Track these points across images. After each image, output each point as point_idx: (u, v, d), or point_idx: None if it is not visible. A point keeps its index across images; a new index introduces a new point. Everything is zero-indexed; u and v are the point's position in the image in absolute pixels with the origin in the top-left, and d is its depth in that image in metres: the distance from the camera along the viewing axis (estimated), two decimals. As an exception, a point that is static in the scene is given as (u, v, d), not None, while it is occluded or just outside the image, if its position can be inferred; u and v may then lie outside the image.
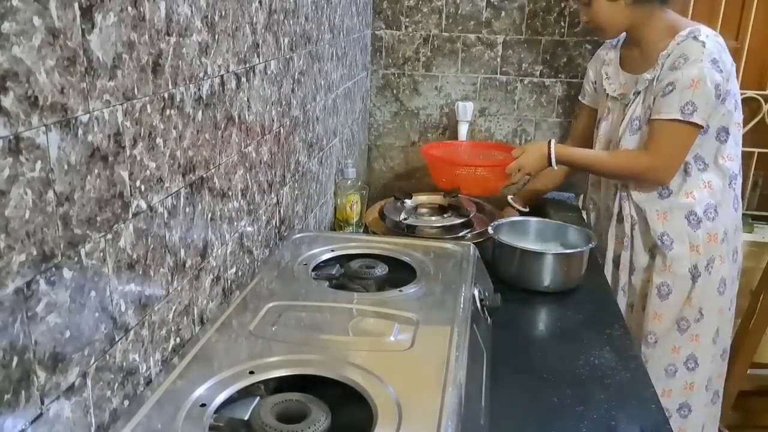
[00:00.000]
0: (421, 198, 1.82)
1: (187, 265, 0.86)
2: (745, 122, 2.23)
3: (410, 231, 1.64)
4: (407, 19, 2.16)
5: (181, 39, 0.79)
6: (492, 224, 1.53)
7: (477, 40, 2.15)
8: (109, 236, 0.67)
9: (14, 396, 0.55)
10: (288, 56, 1.22)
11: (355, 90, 1.96)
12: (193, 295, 0.89)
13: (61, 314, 0.60)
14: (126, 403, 0.73)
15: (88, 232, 0.63)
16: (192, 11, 0.81)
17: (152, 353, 0.79)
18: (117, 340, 0.70)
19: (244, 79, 1.01)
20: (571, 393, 1.05)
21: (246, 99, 1.02)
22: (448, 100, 2.22)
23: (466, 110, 2.13)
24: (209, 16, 0.87)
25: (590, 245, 1.44)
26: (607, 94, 1.70)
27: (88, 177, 0.63)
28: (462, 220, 1.69)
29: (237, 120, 0.99)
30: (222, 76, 0.92)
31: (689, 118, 1.49)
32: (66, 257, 0.60)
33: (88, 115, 0.62)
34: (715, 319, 1.65)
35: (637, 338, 1.65)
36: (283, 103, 1.21)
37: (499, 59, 2.16)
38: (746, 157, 2.26)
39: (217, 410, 0.73)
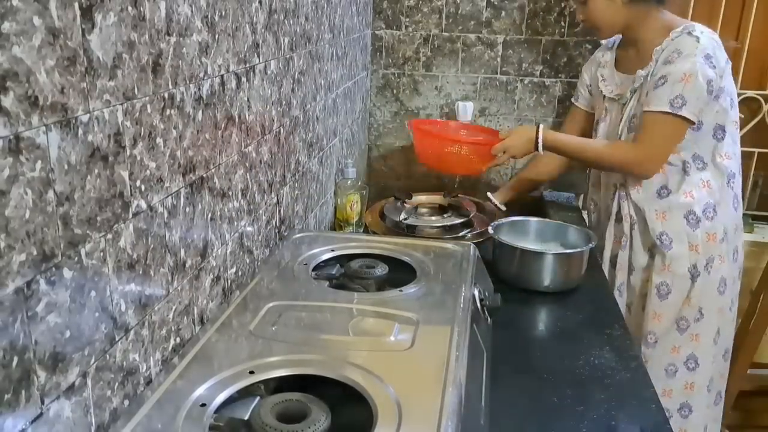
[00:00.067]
0: (421, 198, 1.82)
1: (187, 265, 0.86)
2: (745, 122, 2.24)
3: (410, 231, 1.64)
4: (407, 19, 2.16)
5: (181, 39, 0.79)
6: (492, 224, 1.53)
7: (477, 39, 2.15)
8: (109, 236, 0.67)
9: (14, 396, 0.55)
10: (288, 56, 1.22)
11: (355, 90, 1.96)
12: (193, 295, 0.89)
13: (61, 314, 0.60)
14: (126, 402, 0.73)
15: (88, 231, 0.63)
16: (192, 11, 0.81)
17: (152, 353, 0.79)
18: (117, 339, 0.70)
19: (244, 79, 1.01)
20: (571, 393, 1.05)
21: (246, 99, 1.02)
22: (448, 99, 2.22)
23: (466, 110, 2.13)
24: (209, 16, 0.87)
25: (590, 245, 1.44)
26: (604, 95, 1.70)
27: (88, 177, 0.63)
28: (462, 220, 1.69)
29: (237, 120, 0.99)
30: (222, 76, 0.92)
31: (678, 111, 1.48)
32: (66, 257, 0.60)
33: (88, 115, 0.62)
34: (716, 318, 1.65)
35: (637, 338, 1.65)
36: (283, 102, 1.21)
37: (499, 59, 2.16)
38: (746, 157, 2.26)
39: (217, 410, 0.73)
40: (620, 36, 1.68)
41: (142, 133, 0.72)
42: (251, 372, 0.78)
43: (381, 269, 1.13)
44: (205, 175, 0.89)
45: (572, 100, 1.88)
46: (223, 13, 0.91)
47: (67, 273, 0.61)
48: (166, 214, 0.79)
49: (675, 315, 1.64)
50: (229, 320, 0.91)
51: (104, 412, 0.69)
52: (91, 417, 0.66)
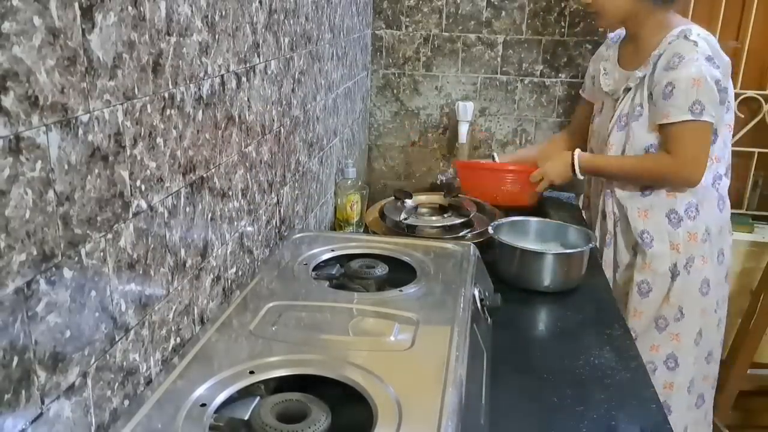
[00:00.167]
0: (421, 198, 1.81)
1: (187, 265, 0.86)
2: (745, 122, 2.24)
3: (410, 231, 1.64)
4: (407, 19, 2.16)
5: (181, 39, 0.79)
6: (492, 224, 1.53)
7: (477, 39, 2.15)
8: (110, 236, 0.67)
9: (14, 396, 0.55)
10: (288, 56, 1.22)
11: (356, 90, 1.96)
12: (194, 295, 0.89)
13: (62, 314, 0.60)
14: (126, 402, 0.73)
15: (88, 231, 0.63)
16: (192, 11, 0.81)
17: (152, 353, 0.79)
18: (117, 339, 0.70)
19: (244, 79, 1.01)
20: (571, 393, 1.05)
21: (246, 99, 1.02)
22: (448, 99, 2.22)
23: (466, 110, 2.13)
24: (209, 16, 0.87)
25: (590, 245, 1.44)
26: (602, 89, 1.71)
27: (89, 177, 0.63)
28: (462, 220, 1.68)
29: (237, 120, 0.99)
30: (222, 76, 0.92)
31: (699, 117, 1.49)
32: (66, 257, 0.60)
33: (88, 115, 0.62)
34: (698, 319, 1.64)
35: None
36: (284, 102, 1.21)
37: (499, 59, 2.16)
38: (746, 157, 2.27)
39: (217, 410, 0.73)
40: (624, 31, 1.70)
41: (142, 133, 0.72)
42: (251, 372, 0.78)
43: (381, 269, 1.13)
44: (205, 175, 0.89)
45: (580, 91, 1.91)
46: (223, 13, 0.91)
47: (67, 273, 0.61)
48: (166, 214, 0.79)
49: (654, 313, 1.64)
50: (229, 320, 0.91)
51: (104, 412, 0.69)
52: (91, 417, 0.66)
